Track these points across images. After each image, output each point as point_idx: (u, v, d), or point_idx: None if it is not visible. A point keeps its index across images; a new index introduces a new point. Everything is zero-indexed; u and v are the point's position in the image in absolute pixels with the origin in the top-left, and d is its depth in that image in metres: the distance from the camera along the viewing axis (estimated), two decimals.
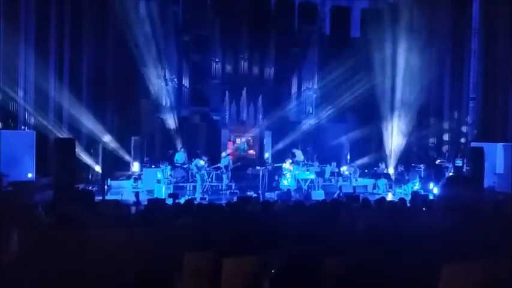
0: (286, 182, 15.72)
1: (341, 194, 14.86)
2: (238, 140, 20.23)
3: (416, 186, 15.81)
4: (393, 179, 16.40)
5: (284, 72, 20.46)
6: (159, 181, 15.20)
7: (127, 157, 17.50)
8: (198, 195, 14.61)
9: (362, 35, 21.13)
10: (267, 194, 14.71)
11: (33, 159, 12.42)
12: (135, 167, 17.43)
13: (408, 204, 9.26)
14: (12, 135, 12.42)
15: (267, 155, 19.54)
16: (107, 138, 16.65)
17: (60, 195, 10.74)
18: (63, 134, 15.04)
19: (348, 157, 18.26)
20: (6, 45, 12.73)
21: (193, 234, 5.41)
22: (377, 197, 12.57)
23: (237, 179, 16.33)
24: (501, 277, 4.11)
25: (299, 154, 17.14)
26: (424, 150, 18.33)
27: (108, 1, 17.49)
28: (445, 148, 17.20)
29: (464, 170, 14.98)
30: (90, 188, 14.05)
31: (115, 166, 16.31)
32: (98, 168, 15.69)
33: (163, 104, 19.20)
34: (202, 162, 15.68)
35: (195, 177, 15.51)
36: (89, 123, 16.87)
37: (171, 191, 14.41)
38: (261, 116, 19.96)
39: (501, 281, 4.10)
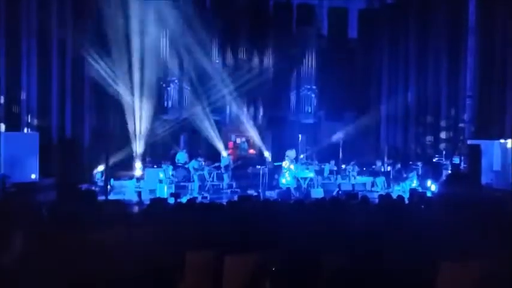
0: (285, 180, 15.83)
1: (340, 192, 14.92)
2: (238, 140, 20.39)
3: (414, 183, 15.91)
4: (391, 176, 16.52)
5: (283, 72, 20.53)
6: (161, 181, 15.30)
7: (129, 157, 17.63)
8: (196, 195, 14.71)
9: (359, 35, 21.26)
10: (267, 193, 14.79)
11: (36, 161, 12.50)
12: (138, 167, 17.55)
13: (406, 202, 9.39)
14: (16, 137, 12.54)
15: (266, 154, 19.67)
16: (110, 139, 16.76)
17: (63, 196, 10.85)
18: (66, 135, 15.19)
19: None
20: (8, 46, 12.84)
21: (195, 233, 5.39)
22: (375, 194, 12.78)
23: (237, 178, 16.44)
24: (500, 274, 4.11)
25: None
26: (422, 148, 18.42)
27: (110, 3, 17.60)
28: (442, 146, 17.28)
29: (461, 167, 15.06)
30: (93, 188, 14.16)
31: (118, 166, 16.42)
32: (100, 169, 15.83)
33: (165, 104, 19.35)
34: (199, 163, 15.84)
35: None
36: (91, 124, 17.03)
37: (172, 190, 14.52)
38: (260, 116, 20.10)
39: (500, 278, 4.10)
